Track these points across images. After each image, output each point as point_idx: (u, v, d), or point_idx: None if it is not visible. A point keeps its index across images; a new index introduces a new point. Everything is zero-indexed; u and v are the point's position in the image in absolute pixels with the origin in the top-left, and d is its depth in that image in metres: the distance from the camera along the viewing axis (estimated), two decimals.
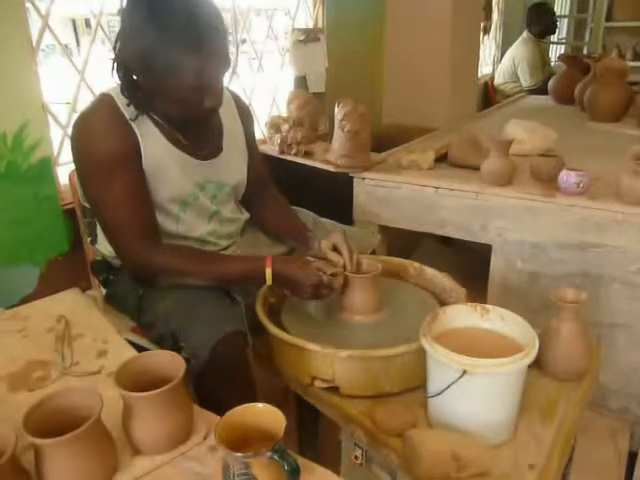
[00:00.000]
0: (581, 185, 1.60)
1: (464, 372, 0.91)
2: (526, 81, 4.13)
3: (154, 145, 1.21)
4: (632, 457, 1.62)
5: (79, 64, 1.81)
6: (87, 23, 6.22)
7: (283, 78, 2.64)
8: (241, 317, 1.18)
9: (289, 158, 2.11)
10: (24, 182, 1.62)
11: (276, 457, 0.70)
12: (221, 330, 1.10)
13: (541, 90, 3.88)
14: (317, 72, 2.59)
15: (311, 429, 1.41)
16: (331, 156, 1.96)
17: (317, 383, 1.12)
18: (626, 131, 2.47)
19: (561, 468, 1.04)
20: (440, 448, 0.91)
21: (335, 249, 1.28)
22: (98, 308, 1.25)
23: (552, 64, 4.78)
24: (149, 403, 0.77)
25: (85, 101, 1.56)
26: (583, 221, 1.61)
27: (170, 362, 0.83)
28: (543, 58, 4.29)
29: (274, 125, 2.21)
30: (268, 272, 1.18)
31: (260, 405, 0.78)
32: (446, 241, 2.24)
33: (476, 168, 1.81)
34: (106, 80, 1.23)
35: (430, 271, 1.41)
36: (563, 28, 6.46)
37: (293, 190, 1.58)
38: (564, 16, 6.38)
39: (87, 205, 1.33)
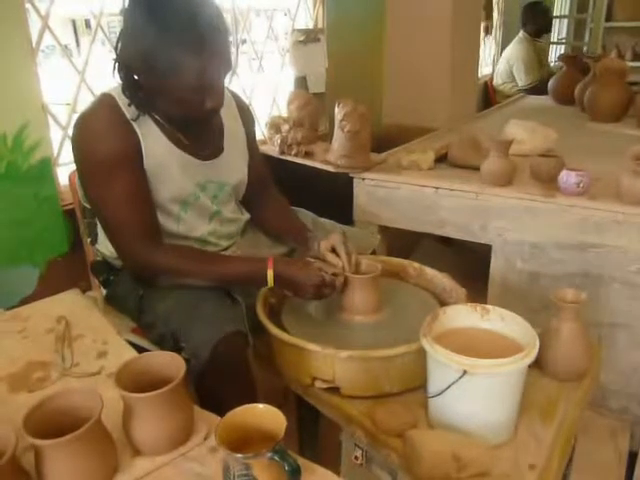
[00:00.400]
0: (581, 185, 1.60)
1: (464, 372, 0.91)
2: (521, 80, 4.12)
3: (155, 145, 1.21)
4: (632, 457, 1.62)
5: (79, 65, 1.82)
6: (87, 24, 6.22)
7: (283, 78, 2.64)
8: (242, 317, 1.18)
9: (289, 158, 2.11)
10: (24, 183, 1.62)
11: (276, 458, 0.70)
12: (222, 330, 1.10)
13: (537, 89, 3.88)
14: (317, 72, 2.59)
15: (311, 429, 1.41)
16: (331, 156, 1.96)
17: (317, 383, 1.12)
18: (626, 131, 2.47)
19: (561, 468, 1.04)
20: (440, 448, 0.91)
21: (334, 250, 1.28)
22: (98, 309, 1.25)
23: (552, 64, 4.77)
24: (149, 404, 0.77)
25: (85, 102, 1.56)
26: (583, 221, 1.61)
27: (170, 363, 0.83)
28: (539, 57, 4.28)
29: (274, 125, 2.21)
30: (270, 274, 1.18)
31: (260, 406, 0.77)
32: (446, 241, 2.24)
33: (476, 168, 1.81)
34: (106, 81, 1.23)
35: (430, 271, 1.41)
36: (563, 28, 6.46)
37: (293, 190, 1.58)
38: (564, 16, 6.38)
39: (87, 205, 1.33)
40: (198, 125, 1.27)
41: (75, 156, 1.22)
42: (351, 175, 1.95)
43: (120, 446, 0.78)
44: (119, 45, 1.13)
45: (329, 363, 1.09)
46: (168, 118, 1.23)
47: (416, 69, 2.91)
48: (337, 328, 1.24)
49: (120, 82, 1.17)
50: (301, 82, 2.57)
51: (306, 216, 1.56)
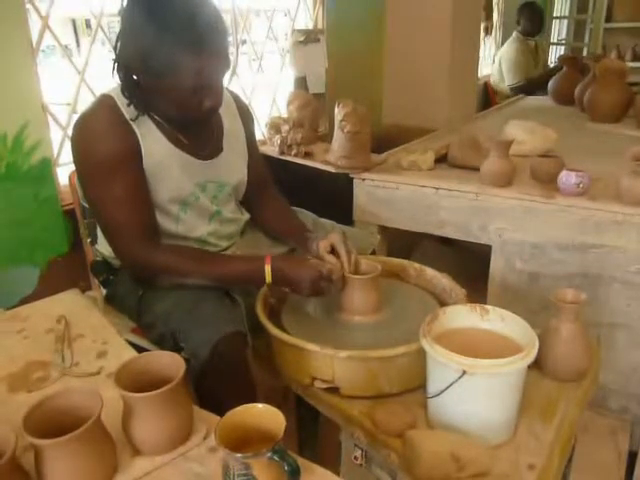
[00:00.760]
0: (581, 186, 1.60)
1: (464, 372, 0.91)
2: (508, 79, 4.13)
3: (155, 145, 1.21)
4: (632, 457, 1.62)
5: (79, 65, 1.82)
6: (87, 24, 6.22)
7: (283, 79, 2.64)
8: (241, 317, 1.18)
9: (289, 159, 2.11)
10: (24, 183, 1.62)
11: (276, 457, 0.70)
12: (221, 330, 1.10)
13: (524, 89, 3.88)
14: (317, 73, 2.60)
15: (311, 430, 1.41)
16: (331, 157, 1.96)
17: (317, 383, 1.12)
18: (626, 132, 2.47)
19: (561, 468, 1.04)
20: (440, 448, 0.91)
21: (333, 250, 1.28)
22: (98, 309, 1.25)
23: (552, 65, 4.76)
24: (149, 404, 0.77)
25: (85, 102, 1.56)
26: (583, 222, 1.61)
27: (170, 362, 0.83)
28: (532, 57, 4.27)
29: (274, 126, 2.21)
30: (267, 269, 1.18)
31: (260, 405, 0.77)
32: (446, 242, 2.24)
33: (476, 169, 1.81)
34: (106, 81, 1.24)
35: (430, 271, 1.41)
36: (563, 29, 6.46)
37: (293, 191, 1.58)
38: (564, 17, 6.38)
39: (87, 205, 1.33)
40: (197, 125, 1.27)
41: (74, 156, 1.22)
42: (351, 175, 1.95)
43: (120, 446, 0.78)
44: (118, 45, 1.14)
45: (329, 363, 1.09)
46: (167, 118, 1.23)
47: (416, 69, 2.91)
48: (337, 328, 1.24)
49: (119, 82, 1.17)
50: (301, 82, 2.58)
51: (306, 216, 1.56)
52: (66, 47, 2.03)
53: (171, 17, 1.07)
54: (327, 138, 2.25)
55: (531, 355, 0.94)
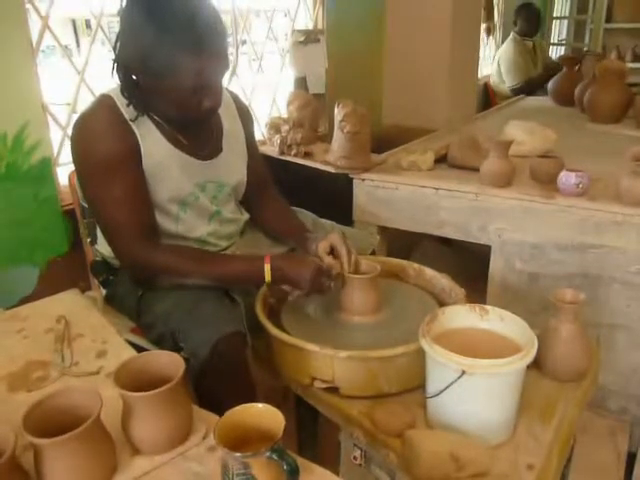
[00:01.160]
0: (580, 186, 1.60)
1: (463, 372, 0.91)
2: (508, 80, 4.13)
3: (154, 145, 1.22)
4: (631, 458, 1.62)
5: (79, 65, 1.82)
6: (87, 24, 6.22)
7: (283, 79, 2.64)
8: (240, 317, 1.18)
9: (289, 159, 2.11)
10: (24, 183, 1.62)
11: (275, 457, 0.70)
12: (220, 330, 1.10)
13: (523, 90, 3.88)
14: (317, 73, 2.60)
15: (310, 429, 1.41)
16: (331, 157, 1.96)
17: (316, 383, 1.12)
18: (626, 132, 2.47)
19: (560, 468, 1.04)
20: (439, 448, 0.91)
21: (333, 250, 1.28)
22: (98, 309, 1.25)
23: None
24: (148, 403, 0.77)
25: (85, 102, 1.56)
26: (582, 222, 1.61)
27: (169, 362, 0.83)
28: (529, 58, 4.28)
29: (274, 126, 2.21)
30: (267, 268, 1.18)
31: (259, 405, 0.78)
32: (445, 242, 2.25)
33: (476, 169, 1.81)
34: (106, 81, 1.24)
35: (429, 272, 1.41)
36: (563, 29, 6.46)
37: (293, 191, 1.58)
38: (564, 17, 6.38)
39: (87, 205, 1.33)
40: (197, 125, 1.27)
41: (74, 156, 1.22)
42: (351, 176, 1.96)
43: (119, 445, 0.78)
44: (117, 45, 1.14)
45: (328, 363, 1.09)
46: (167, 118, 1.23)
47: (416, 70, 2.91)
48: (336, 328, 1.25)
49: (119, 82, 1.17)
50: (301, 83, 2.58)
51: (306, 217, 1.56)
52: (66, 47, 2.03)
53: (170, 18, 1.07)
54: (327, 138, 2.25)
55: (530, 355, 0.94)
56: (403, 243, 2.14)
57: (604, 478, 1.55)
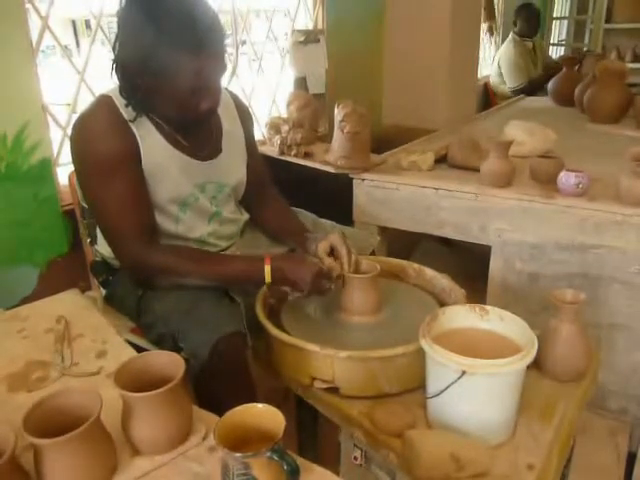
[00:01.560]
0: (580, 186, 1.60)
1: (463, 373, 0.91)
2: (509, 82, 4.13)
3: (153, 146, 1.21)
4: (631, 458, 1.62)
5: (79, 65, 1.82)
6: (87, 24, 6.23)
7: (283, 79, 2.64)
8: (240, 317, 1.18)
9: (289, 159, 2.11)
10: (24, 183, 1.62)
11: (275, 457, 0.70)
12: (220, 331, 1.10)
13: (525, 91, 3.88)
14: (317, 73, 2.60)
15: (310, 430, 1.41)
16: (331, 157, 1.96)
17: (317, 384, 1.12)
18: (625, 132, 2.47)
19: (560, 468, 1.04)
20: (439, 449, 0.91)
21: (332, 250, 1.28)
22: (97, 309, 1.25)
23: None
24: (148, 403, 0.77)
25: (85, 102, 1.56)
26: (582, 222, 1.61)
27: (170, 362, 0.83)
28: (530, 58, 4.27)
29: (274, 126, 2.21)
30: (267, 269, 1.18)
31: (259, 405, 0.78)
32: (445, 242, 2.25)
33: (476, 169, 1.81)
34: (106, 81, 1.24)
35: (430, 272, 1.41)
36: (563, 29, 6.47)
37: (293, 191, 1.58)
38: (564, 17, 6.39)
39: (86, 206, 1.33)
40: (196, 126, 1.27)
41: (73, 157, 1.22)
42: (351, 176, 1.96)
43: (119, 445, 0.78)
44: (116, 46, 1.14)
45: (328, 363, 1.09)
46: (166, 119, 1.23)
47: (416, 70, 2.92)
48: (336, 328, 1.25)
49: (118, 83, 1.17)
50: (301, 83, 2.58)
51: (306, 217, 1.56)
52: (66, 47, 2.03)
53: (169, 18, 1.07)
54: (327, 138, 2.25)
55: (530, 355, 0.94)
56: (403, 243, 2.14)
57: (604, 478, 1.55)
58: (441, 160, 2.01)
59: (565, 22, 6.44)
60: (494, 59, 4.38)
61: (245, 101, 1.65)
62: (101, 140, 1.16)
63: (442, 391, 0.95)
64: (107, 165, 1.16)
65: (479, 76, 3.94)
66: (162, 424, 0.78)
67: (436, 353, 0.94)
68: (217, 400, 1.03)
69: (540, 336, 1.04)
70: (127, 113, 1.18)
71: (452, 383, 0.93)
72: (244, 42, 2.49)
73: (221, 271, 1.22)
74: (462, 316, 1.08)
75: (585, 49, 5.76)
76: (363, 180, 1.94)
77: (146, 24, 1.07)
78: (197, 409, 0.88)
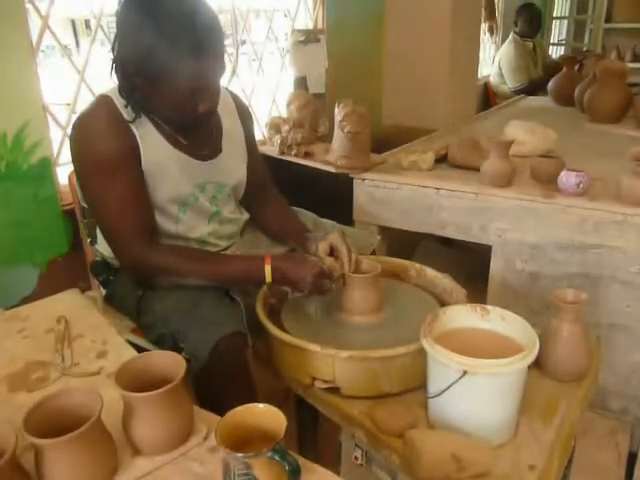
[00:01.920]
0: (581, 186, 1.60)
1: (464, 372, 0.91)
2: (510, 82, 4.13)
3: (153, 146, 1.21)
4: (632, 458, 1.62)
5: (79, 65, 1.82)
6: (87, 24, 6.23)
7: (283, 79, 2.64)
8: (241, 317, 1.18)
9: (289, 159, 2.11)
10: (24, 183, 1.62)
11: (277, 457, 0.70)
12: (221, 331, 1.10)
13: (526, 91, 3.88)
14: (317, 73, 2.60)
15: (311, 430, 1.41)
16: (331, 157, 1.96)
17: (317, 384, 1.12)
18: (625, 132, 2.47)
19: (561, 469, 1.03)
20: (440, 449, 0.91)
21: (332, 250, 1.28)
22: (98, 309, 1.25)
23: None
24: (149, 403, 0.77)
25: (85, 102, 1.56)
26: (583, 222, 1.61)
27: (170, 362, 0.83)
28: (530, 59, 4.27)
29: (274, 126, 2.21)
30: (267, 269, 1.18)
31: (261, 405, 0.77)
32: (446, 242, 2.24)
33: (476, 169, 1.81)
34: (106, 81, 1.23)
35: (430, 272, 1.41)
36: (563, 29, 6.47)
37: (293, 191, 1.58)
38: (563, 17, 6.39)
39: (86, 206, 1.33)
40: (196, 126, 1.26)
41: (73, 156, 1.22)
42: (351, 176, 1.96)
43: (120, 446, 0.78)
44: (115, 46, 1.13)
45: (329, 363, 1.09)
46: (165, 119, 1.23)
47: (416, 70, 2.92)
48: (337, 328, 1.24)
49: (117, 83, 1.17)
50: (301, 82, 2.58)
51: (307, 217, 1.56)
52: (65, 47, 2.03)
53: (168, 19, 1.07)
54: (327, 138, 2.25)
55: (532, 355, 0.94)
56: (403, 243, 2.13)
57: (605, 478, 1.55)
58: (441, 160, 2.01)
59: (565, 22, 6.44)
60: (494, 59, 4.38)
61: (245, 101, 1.65)
62: (101, 140, 1.16)
63: (443, 391, 0.95)
64: (107, 165, 1.16)
65: (479, 76, 3.94)
66: (163, 424, 0.78)
67: (437, 353, 0.94)
68: (217, 400, 1.03)
69: (541, 336, 1.04)
70: (127, 113, 1.18)
71: (453, 383, 0.93)
72: (244, 42, 2.49)
73: (221, 271, 1.21)
74: (463, 316, 1.08)
75: (585, 49, 5.77)
76: (363, 180, 1.94)
77: (145, 24, 1.07)
78: (198, 409, 0.88)
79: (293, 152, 2.10)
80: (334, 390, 1.11)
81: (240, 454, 0.69)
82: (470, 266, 1.87)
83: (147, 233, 1.21)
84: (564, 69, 3.15)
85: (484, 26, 4.28)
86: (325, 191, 1.95)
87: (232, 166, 1.38)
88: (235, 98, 1.44)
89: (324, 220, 1.59)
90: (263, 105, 2.62)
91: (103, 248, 1.36)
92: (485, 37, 4.46)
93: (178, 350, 1.09)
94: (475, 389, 0.94)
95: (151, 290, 1.25)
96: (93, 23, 1.87)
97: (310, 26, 2.69)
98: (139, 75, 1.12)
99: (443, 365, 0.94)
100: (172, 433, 0.79)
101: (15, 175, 1.59)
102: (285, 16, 2.68)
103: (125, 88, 1.16)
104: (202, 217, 1.34)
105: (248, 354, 1.17)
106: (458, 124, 2.74)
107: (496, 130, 2.28)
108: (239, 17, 2.37)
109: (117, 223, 1.19)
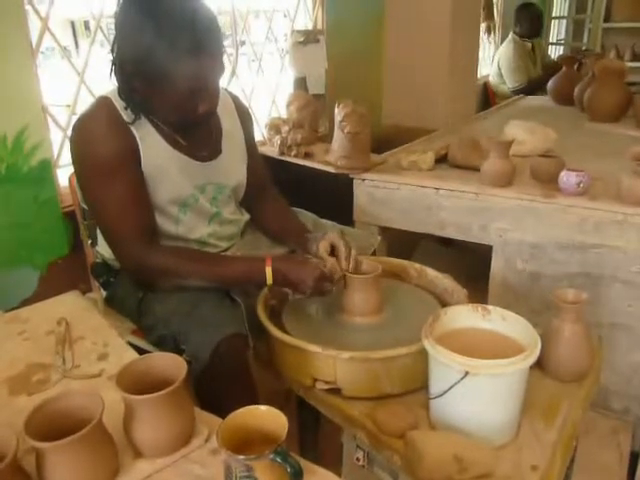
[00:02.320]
0: (581, 185, 1.60)
1: (466, 373, 0.91)
2: (509, 82, 4.13)
3: (153, 147, 1.21)
4: (634, 457, 1.62)
5: (79, 66, 1.81)
6: (86, 25, 6.23)
7: (283, 80, 2.64)
8: (242, 319, 1.18)
9: (289, 159, 2.11)
10: (24, 184, 1.62)
11: (278, 459, 0.70)
12: (222, 332, 1.10)
13: (525, 91, 3.87)
14: (317, 73, 2.60)
15: (312, 431, 1.40)
16: (331, 157, 1.96)
17: (318, 385, 1.11)
18: (625, 132, 2.47)
19: (563, 469, 1.03)
20: (442, 450, 0.91)
21: (332, 249, 1.27)
22: (98, 310, 1.25)
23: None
24: (150, 405, 0.77)
25: (85, 103, 1.56)
26: (583, 221, 1.60)
27: (171, 364, 0.83)
28: (529, 59, 4.27)
29: (274, 126, 2.21)
30: (268, 271, 1.18)
31: (262, 407, 0.77)
32: (446, 242, 2.24)
33: (476, 169, 1.81)
34: (106, 83, 1.23)
35: (431, 272, 1.41)
36: (562, 29, 6.47)
37: (293, 191, 1.58)
38: (562, 17, 6.39)
39: (87, 207, 1.33)
40: (196, 127, 1.26)
41: (73, 159, 1.22)
42: (351, 176, 1.95)
43: (121, 448, 0.78)
44: (114, 47, 1.13)
45: (330, 364, 1.08)
46: (165, 120, 1.22)
47: (416, 70, 2.91)
48: (338, 329, 1.24)
49: (116, 85, 1.17)
50: (301, 83, 2.57)
51: (307, 217, 1.56)
52: (65, 49, 2.03)
53: (167, 19, 1.07)
54: (327, 139, 2.25)
55: (533, 355, 0.94)
56: (404, 243, 2.13)
57: (607, 478, 1.54)
58: (441, 160, 2.01)
59: (564, 21, 6.44)
60: (493, 59, 4.38)
61: (245, 102, 1.65)
62: (101, 142, 1.16)
63: (445, 392, 0.95)
64: (107, 167, 1.16)
65: (479, 76, 3.94)
66: (164, 426, 0.78)
67: (439, 354, 0.94)
68: (218, 402, 1.03)
69: (542, 336, 1.03)
70: (126, 115, 1.18)
71: (455, 384, 0.92)
72: (244, 43, 2.49)
73: (221, 272, 1.21)
74: (464, 316, 1.08)
75: (584, 48, 5.76)
76: (363, 180, 1.94)
77: (144, 25, 1.07)
78: (199, 411, 0.88)
79: (293, 153, 2.10)
80: (335, 391, 1.11)
81: (242, 456, 0.69)
82: (470, 266, 1.87)
83: (147, 234, 1.21)
84: (563, 69, 3.15)
85: (482, 26, 4.28)
86: (325, 192, 1.94)
87: (232, 167, 1.38)
88: (235, 99, 1.44)
89: (324, 221, 1.59)
90: (263, 106, 2.61)
91: (103, 250, 1.36)
92: (484, 37, 4.45)
93: (179, 352, 1.09)
94: (477, 390, 0.93)
95: (152, 292, 1.25)
96: (92, 24, 1.86)
97: (310, 27, 2.69)
98: (138, 76, 1.12)
99: (445, 366, 0.94)
100: (173, 435, 0.79)
101: (15, 177, 1.59)
102: (285, 17, 2.68)
103: (125, 89, 1.16)
104: (202, 218, 1.33)
105: (249, 355, 1.17)
106: (458, 124, 2.74)
107: (496, 130, 2.28)
108: (239, 18, 2.37)
109: (117, 224, 1.19)
